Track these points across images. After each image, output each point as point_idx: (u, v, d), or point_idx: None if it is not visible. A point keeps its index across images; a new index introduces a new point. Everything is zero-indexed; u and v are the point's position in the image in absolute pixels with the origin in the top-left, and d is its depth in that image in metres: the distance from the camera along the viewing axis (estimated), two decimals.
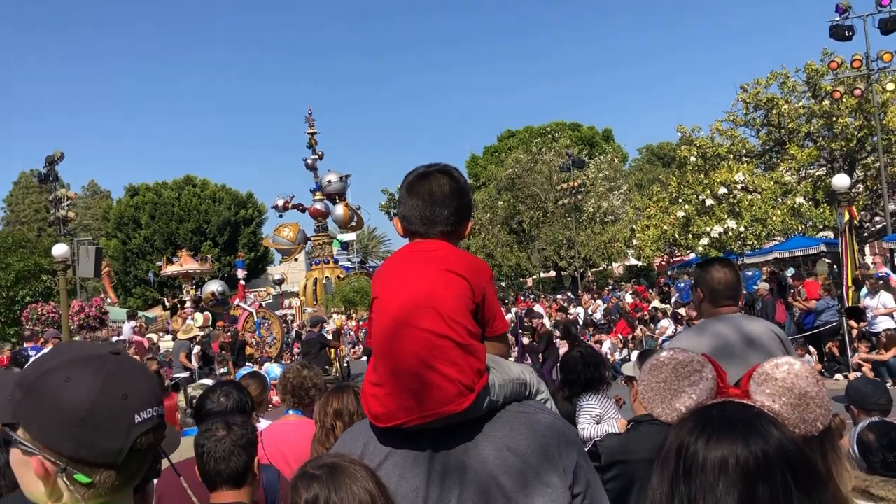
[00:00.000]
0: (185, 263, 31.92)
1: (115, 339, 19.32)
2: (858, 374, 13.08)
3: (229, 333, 20.48)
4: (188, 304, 27.81)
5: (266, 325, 25.53)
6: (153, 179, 55.52)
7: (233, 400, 3.59)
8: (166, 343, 23.60)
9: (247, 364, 17.49)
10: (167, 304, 31.39)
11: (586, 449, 3.72)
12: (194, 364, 17.88)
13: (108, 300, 29.79)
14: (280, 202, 44.41)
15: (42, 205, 59.58)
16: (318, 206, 45.58)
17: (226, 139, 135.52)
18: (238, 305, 26.38)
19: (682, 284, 22.20)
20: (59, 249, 16.32)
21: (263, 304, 29.27)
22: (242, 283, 31.60)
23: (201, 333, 19.83)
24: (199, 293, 28.89)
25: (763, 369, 1.28)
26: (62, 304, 16.60)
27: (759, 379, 1.28)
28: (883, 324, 14.82)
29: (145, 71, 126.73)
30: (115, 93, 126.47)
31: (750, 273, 20.87)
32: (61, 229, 25.63)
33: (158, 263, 35.70)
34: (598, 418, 4.85)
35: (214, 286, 30.57)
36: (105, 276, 30.51)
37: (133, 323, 21.02)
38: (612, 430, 4.51)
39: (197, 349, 18.42)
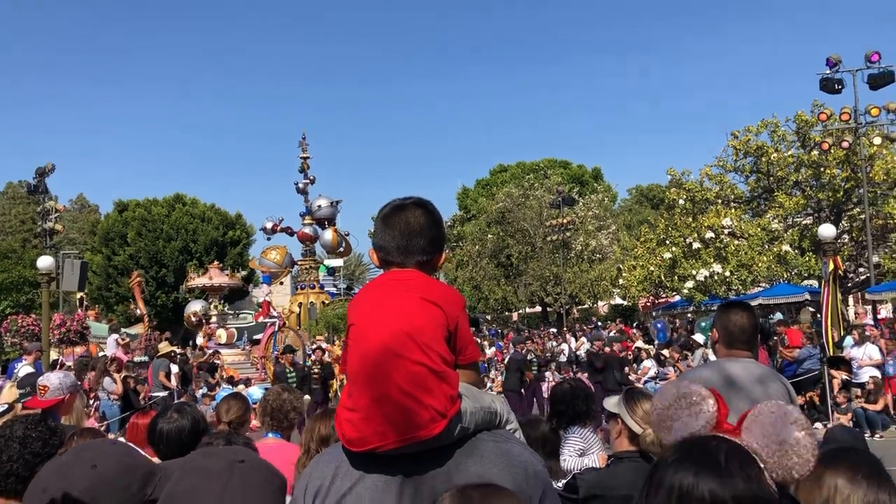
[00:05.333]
0: (214, 277, 31.14)
1: (100, 354, 19.14)
2: (838, 422, 13.12)
3: (206, 353, 20.33)
4: (214, 319, 27.39)
5: (286, 341, 25.25)
6: (142, 196, 55.44)
7: (188, 419, 3.58)
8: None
9: (225, 385, 17.34)
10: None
11: (566, 481, 3.74)
12: (173, 384, 17.71)
13: (139, 311, 29.45)
14: (269, 224, 44.29)
15: (28, 216, 59.37)
16: (307, 230, 45.47)
17: (217, 159, 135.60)
18: (263, 322, 26.03)
19: (660, 325, 22.25)
20: (45, 262, 16.23)
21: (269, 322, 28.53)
22: (267, 299, 31.08)
23: (179, 352, 19.67)
24: (219, 308, 28.44)
25: (755, 410, 1.31)
26: (44, 317, 16.47)
27: (750, 419, 1.31)
28: (867, 373, 14.96)
29: (139, 87, 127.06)
30: (107, 108, 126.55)
31: None
32: (47, 241, 25.50)
33: (192, 275, 34.68)
34: (581, 451, 4.89)
35: (196, 306, 30.36)
36: (136, 287, 30.15)
37: (116, 336, 20.83)
38: (593, 464, 4.53)
39: (175, 369, 18.26)
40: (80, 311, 27.69)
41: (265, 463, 1.45)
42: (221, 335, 23.52)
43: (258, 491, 1.35)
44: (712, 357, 4.02)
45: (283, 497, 1.39)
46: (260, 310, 29.02)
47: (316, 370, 18.39)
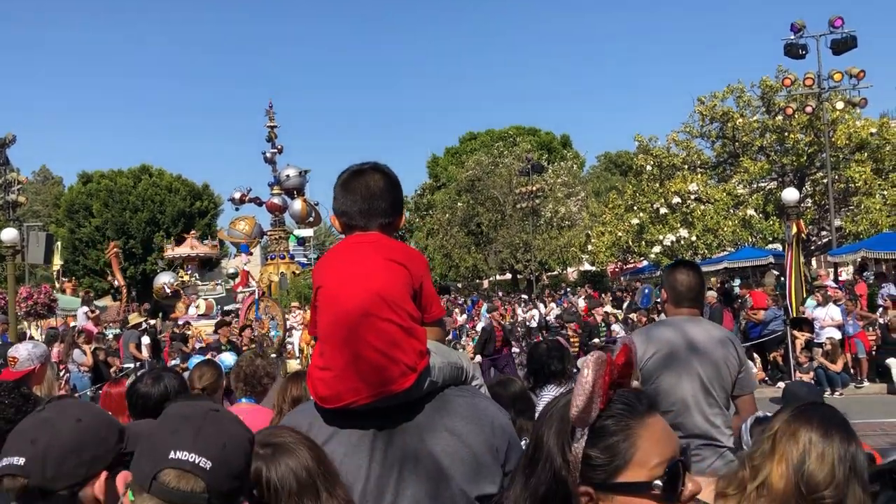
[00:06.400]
0: (193, 247, 30.69)
1: (71, 325, 18.95)
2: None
3: (182, 324, 20.20)
4: (194, 290, 27.05)
5: (266, 310, 24.96)
6: (107, 167, 54.53)
7: (163, 385, 3.61)
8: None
9: (197, 353, 17.25)
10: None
11: None
12: (144, 354, 17.64)
13: (116, 282, 29.02)
14: (237, 195, 43.77)
15: None
16: (276, 200, 45.03)
17: (183, 129, 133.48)
18: (242, 291, 25.80)
19: (647, 290, 22.47)
20: (9, 234, 15.95)
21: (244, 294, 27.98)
22: (245, 269, 30.75)
23: (152, 322, 19.56)
24: (195, 278, 28.09)
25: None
26: (9, 291, 16.23)
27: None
28: (828, 334, 15.35)
29: (102, 56, 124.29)
30: (70, 77, 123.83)
31: None
32: (10, 214, 25.05)
33: (168, 246, 33.85)
34: None
35: (166, 278, 30.06)
36: (113, 257, 29.70)
37: (85, 309, 20.63)
38: None
39: (147, 339, 18.18)
40: (58, 282, 27.28)
41: (237, 417, 1.52)
42: (201, 305, 23.36)
43: (231, 437, 1.42)
44: None
45: (250, 451, 1.47)
46: (238, 280, 28.74)
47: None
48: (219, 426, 1.42)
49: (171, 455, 1.34)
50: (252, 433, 1.53)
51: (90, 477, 1.62)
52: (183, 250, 30.94)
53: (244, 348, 14.94)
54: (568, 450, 1.31)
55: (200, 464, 1.35)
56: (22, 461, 1.58)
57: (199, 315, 24.36)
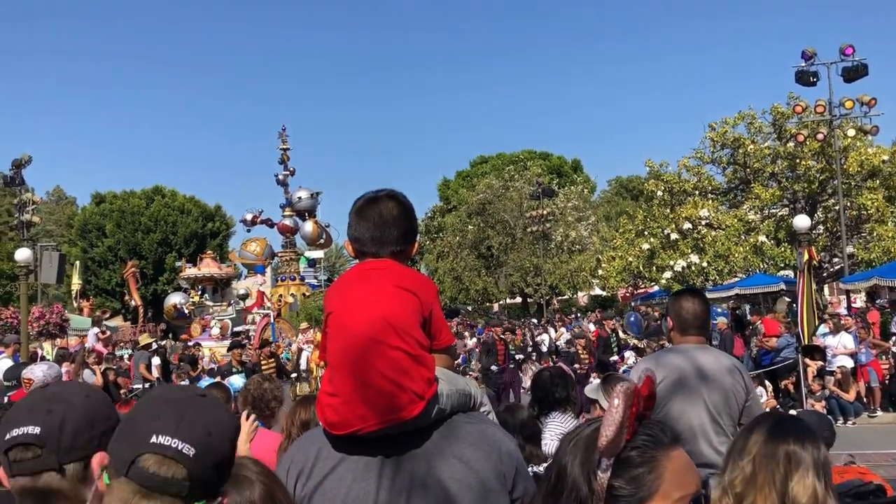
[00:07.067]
0: (208, 267, 30.74)
1: (77, 347, 18.99)
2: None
3: (191, 345, 20.25)
4: (210, 311, 27.09)
5: (281, 333, 24.93)
6: (120, 188, 54.97)
7: None
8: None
9: (206, 377, 17.29)
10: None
11: (546, 464, 3.85)
12: (154, 375, 17.67)
13: (133, 302, 29.14)
14: (249, 216, 44.07)
15: (4, 208, 58.58)
16: (287, 222, 45.29)
17: (196, 151, 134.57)
18: (257, 312, 25.84)
19: (633, 318, 22.38)
20: (23, 254, 16.10)
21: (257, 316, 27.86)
22: (261, 289, 30.81)
23: (163, 343, 19.64)
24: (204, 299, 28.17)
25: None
26: (22, 310, 16.35)
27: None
28: (840, 362, 15.23)
29: (117, 78, 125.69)
30: (84, 99, 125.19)
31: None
32: (24, 234, 25.23)
33: (178, 264, 34.11)
34: (562, 435, 4.97)
35: (177, 298, 30.15)
36: (130, 277, 29.84)
37: (96, 329, 20.71)
38: None
39: (157, 360, 18.22)
40: (76, 301, 27.38)
41: (223, 403, 1.48)
42: (216, 327, 23.39)
43: (217, 424, 1.36)
44: None
45: (235, 439, 1.41)
46: (253, 301, 28.79)
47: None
48: (204, 412, 1.36)
49: (153, 440, 1.28)
50: (238, 421, 1.48)
51: (94, 453, 1.59)
52: (199, 270, 31.01)
53: (263, 364, 14.92)
54: (594, 479, 1.31)
55: (183, 450, 1.28)
56: (38, 430, 1.54)
57: (215, 336, 24.41)
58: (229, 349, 15.86)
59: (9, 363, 13.19)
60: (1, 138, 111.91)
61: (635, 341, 21.39)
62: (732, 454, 2.23)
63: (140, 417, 1.34)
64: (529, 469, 2.04)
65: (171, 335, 30.38)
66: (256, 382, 4.68)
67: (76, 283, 35.72)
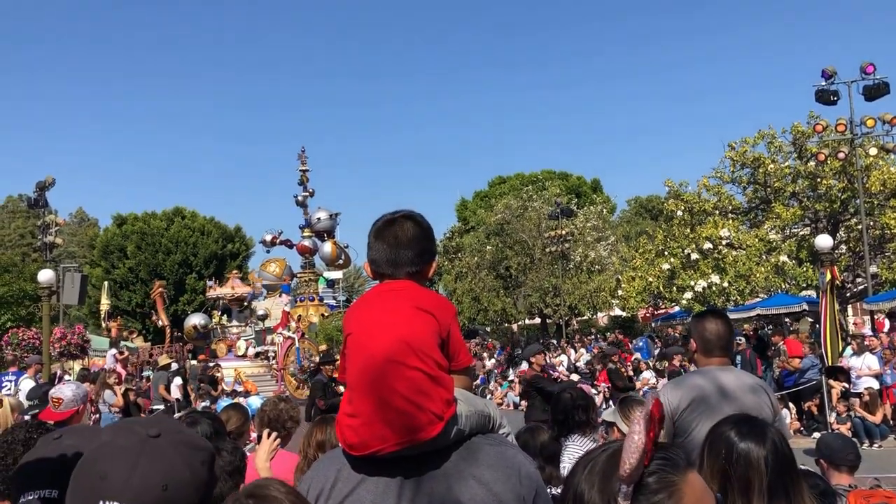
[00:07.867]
0: (235, 287, 30.95)
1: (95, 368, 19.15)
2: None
3: (212, 366, 20.32)
4: (235, 331, 27.28)
5: (308, 355, 24.91)
6: (141, 210, 55.58)
7: (197, 430, 3.63)
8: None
9: (226, 398, 17.35)
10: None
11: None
12: (173, 396, 17.73)
13: (160, 322, 29.38)
14: (268, 237, 44.24)
15: (28, 230, 59.40)
16: (307, 242, 45.43)
17: (216, 172, 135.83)
18: (280, 333, 25.91)
19: (642, 343, 22.24)
20: (45, 275, 16.28)
21: (293, 334, 27.68)
22: (286, 309, 30.92)
23: (176, 365, 19.69)
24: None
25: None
26: (44, 331, 16.50)
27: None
28: (865, 383, 15.00)
29: (139, 100, 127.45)
30: (107, 122, 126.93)
31: None
32: (47, 255, 25.53)
33: (210, 283, 34.21)
34: None
35: (197, 319, 30.32)
36: (158, 297, 30.10)
37: (114, 351, 20.86)
38: None
39: (178, 380, 18.29)
40: (104, 322, 27.64)
41: (187, 436, 1.32)
42: (241, 347, 23.43)
43: (173, 475, 1.22)
44: None
45: (209, 471, 1.28)
46: (278, 321, 28.87)
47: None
48: (159, 459, 1.23)
49: None
50: (212, 447, 1.38)
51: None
52: (233, 290, 31.23)
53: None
54: None
55: None
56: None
57: (239, 356, 24.46)
58: (321, 363, 15.15)
59: (31, 384, 13.32)
60: (26, 160, 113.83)
61: (648, 364, 21.27)
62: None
63: (86, 476, 1.23)
64: (549, 490, 2.02)
65: (189, 356, 30.53)
66: (272, 403, 4.69)
67: (105, 303, 36.02)
